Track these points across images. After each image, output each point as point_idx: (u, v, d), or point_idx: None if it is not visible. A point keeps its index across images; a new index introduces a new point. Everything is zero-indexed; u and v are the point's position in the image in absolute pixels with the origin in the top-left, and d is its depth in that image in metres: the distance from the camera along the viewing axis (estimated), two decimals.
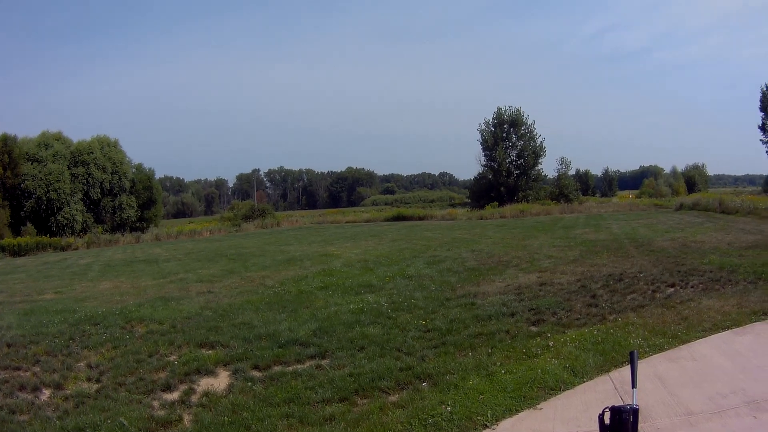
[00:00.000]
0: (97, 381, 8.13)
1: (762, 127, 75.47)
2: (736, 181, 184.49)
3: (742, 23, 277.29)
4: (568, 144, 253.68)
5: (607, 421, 2.45)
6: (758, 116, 75.92)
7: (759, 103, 75.41)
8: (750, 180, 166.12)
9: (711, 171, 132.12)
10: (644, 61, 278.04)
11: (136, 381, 7.99)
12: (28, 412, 7.03)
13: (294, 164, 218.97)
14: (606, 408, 2.47)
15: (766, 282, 11.18)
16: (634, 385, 2.64)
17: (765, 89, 74.37)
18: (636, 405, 2.45)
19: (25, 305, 14.39)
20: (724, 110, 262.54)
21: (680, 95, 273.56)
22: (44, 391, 7.81)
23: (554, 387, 6.77)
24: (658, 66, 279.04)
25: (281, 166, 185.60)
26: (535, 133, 69.17)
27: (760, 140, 76.28)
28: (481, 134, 69.96)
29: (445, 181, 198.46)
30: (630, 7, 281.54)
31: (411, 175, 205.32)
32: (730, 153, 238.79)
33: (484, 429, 5.91)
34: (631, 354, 2.73)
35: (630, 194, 74.45)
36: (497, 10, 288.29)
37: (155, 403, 7.17)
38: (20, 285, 19.11)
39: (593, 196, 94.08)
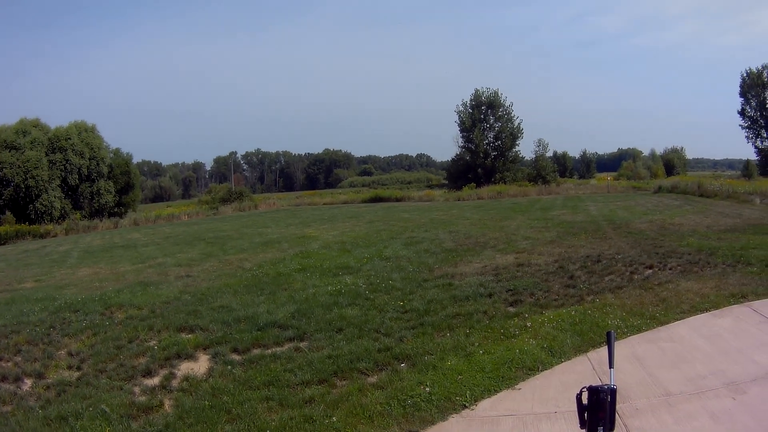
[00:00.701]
0: (78, 369, 8.13)
1: (741, 112, 76.52)
2: (715, 165, 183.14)
3: (720, 10, 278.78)
4: (546, 126, 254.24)
5: (585, 400, 2.48)
6: (738, 101, 77.04)
7: (739, 89, 76.51)
8: (729, 164, 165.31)
9: (690, 155, 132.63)
10: (624, 45, 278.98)
11: (117, 367, 8.01)
12: (11, 402, 7.05)
13: (271, 147, 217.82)
14: (584, 388, 2.52)
15: (745, 265, 11.20)
16: (611, 365, 2.68)
17: (745, 75, 75.34)
18: (614, 385, 2.49)
19: (5, 294, 14.31)
20: (704, 95, 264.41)
21: (660, 79, 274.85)
22: (26, 380, 7.82)
23: (532, 367, 6.89)
24: (637, 50, 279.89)
25: (258, 149, 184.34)
26: (512, 115, 69.44)
27: (740, 125, 77.56)
28: (459, 116, 70.04)
29: (423, 162, 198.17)
30: None
31: (388, 157, 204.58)
32: (710, 137, 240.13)
33: (463, 409, 6.00)
34: (608, 334, 2.76)
35: (608, 176, 74.71)
36: None
37: (136, 389, 7.20)
38: (0, 274, 18.95)
39: (571, 177, 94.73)
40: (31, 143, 46.35)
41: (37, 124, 48.98)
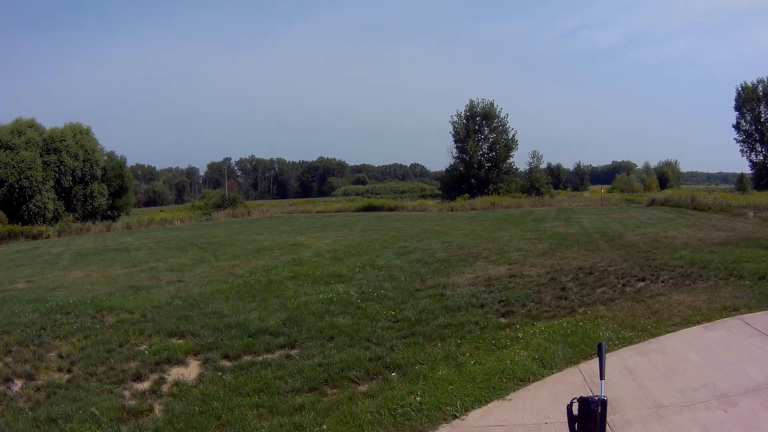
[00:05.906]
0: (69, 371, 8.10)
1: (736, 126, 77.09)
2: (709, 178, 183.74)
3: (715, 26, 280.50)
4: (540, 138, 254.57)
5: (575, 411, 2.49)
6: (733, 115, 77.63)
7: (734, 103, 77.09)
8: (723, 178, 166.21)
9: (684, 168, 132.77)
10: (618, 60, 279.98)
11: (107, 371, 7.98)
12: (1, 402, 7.02)
13: (265, 153, 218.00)
14: (574, 399, 2.53)
15: (737, 278, 11.22)
16: (602, 377, 2.69)
17: (741, 89, 75.84)
18: (604, 396, 2.50)
19: None
20: (698, 109, 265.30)
21: (654, 93, 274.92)
22: (16, 381, 7.79)
23: (523, 378, 6.88)
24: (632, 65, 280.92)
25: (252, 155, 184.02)
26: (507, 126, 69.74)
27: (734, 139, 78.17)
28: (454, 126, 70.27)
29: (417, 172, 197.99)
30: (605, 6, 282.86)
31: (382, 166, 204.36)
32: (704, 151, 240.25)
33: (454, 419, 6.00)
34: (599, 346, 2.77)
35: (602, 189, 74.84)
36: (471, 7, 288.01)
37: (126, 393, 7.17)
38: None
39: (565, 189, 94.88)
40: (26, 143, 46.20)
41: (32, 125, 48.78)
